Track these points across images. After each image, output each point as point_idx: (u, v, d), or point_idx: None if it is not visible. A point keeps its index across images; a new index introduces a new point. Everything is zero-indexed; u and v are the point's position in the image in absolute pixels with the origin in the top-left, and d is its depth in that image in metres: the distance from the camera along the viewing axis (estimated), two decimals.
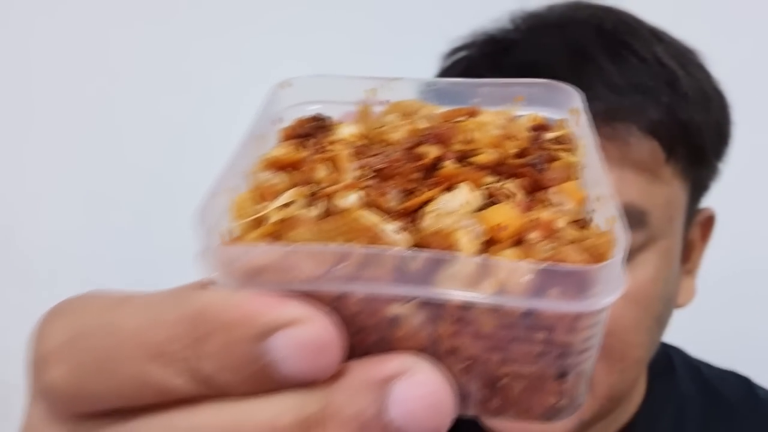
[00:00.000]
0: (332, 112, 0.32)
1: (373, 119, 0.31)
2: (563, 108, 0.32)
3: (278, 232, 0.24)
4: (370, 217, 0.24)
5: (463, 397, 0.24)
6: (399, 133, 0.29)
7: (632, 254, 0.64)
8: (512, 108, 0.32)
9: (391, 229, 0.24)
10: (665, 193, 0.66)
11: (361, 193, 0.25)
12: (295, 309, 0.21)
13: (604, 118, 0.61)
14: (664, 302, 0.68)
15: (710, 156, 0.70)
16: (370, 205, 0.25)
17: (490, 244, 0.24)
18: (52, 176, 1.00)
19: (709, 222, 0.76)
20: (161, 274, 1.02)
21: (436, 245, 0.23)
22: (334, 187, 0.26)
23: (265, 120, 0.31)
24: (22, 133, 1.00)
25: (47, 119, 1.00)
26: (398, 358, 0.22)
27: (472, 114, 0.31)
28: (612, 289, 0.22)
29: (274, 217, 0.25)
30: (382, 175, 0.27)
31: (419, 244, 0.24)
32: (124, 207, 1.01)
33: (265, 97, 0.32)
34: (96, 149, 1.00)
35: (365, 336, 0.23)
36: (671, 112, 0.64)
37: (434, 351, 0.23)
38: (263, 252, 0.22)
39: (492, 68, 0.66)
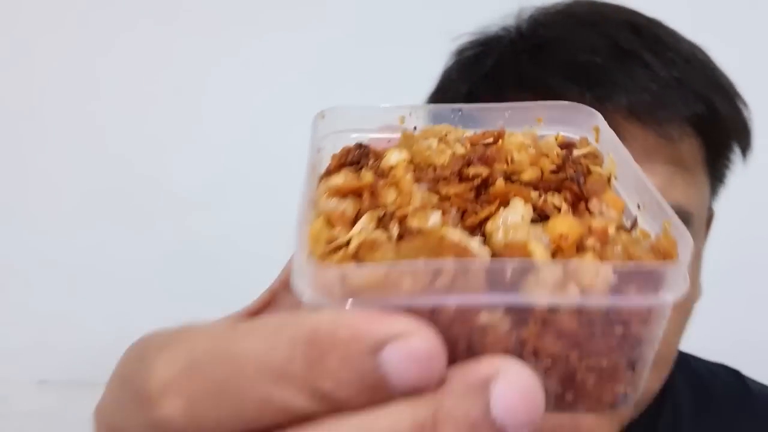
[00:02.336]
0: (363, 139, 0.34)
1: (415, 145, 0.33)
2: (581, 127, 0.35)
3: (359, 256, 0.26)
4: (455, 234, 0.26)
5: None
6: (443, 157, 0.32)
7: None
8: (534, 129, 0.35)
9: (475, 243, 0.26)
10: (701, 193, 0.65)
11: (439, 212, 0.27)
12: (401, 323, 0.23)
13: (650, 111, 0.61)
14: (692, 304, 0.69)
15: (733, 152, 0.69)
16: (444, 223, 0.27)
17: (556, 252, 0.26)
18: (50, 179, 0.99)
19: (711, 219, 0.74)
20: (158, 276, 1.00)
21: (511, 256, 0.26)
22: (406, 209, 0.27)
23: (313, 150, 0.32)
24: (20, 136, 0.98)
25: (44, 123, 0.98)
26: (492, 361, 0.24)
27: (500, 136, 0.34)
28: (680, 285, 0.25)
29: (355, 242, 0.27)
30: (441, 196, 0.29)
31: (494, 256, 0.26)
32: (120, 210, 1.00)
33: (309, 129, 0.33)
34: (91, 153, 0.99)
35: (456, 344, 0.25)
36: (711, 107, 0.63)
37: (519, 353, 0.25)
38: (364, 272, 0.24)
39: (536, 65, 0.64)
